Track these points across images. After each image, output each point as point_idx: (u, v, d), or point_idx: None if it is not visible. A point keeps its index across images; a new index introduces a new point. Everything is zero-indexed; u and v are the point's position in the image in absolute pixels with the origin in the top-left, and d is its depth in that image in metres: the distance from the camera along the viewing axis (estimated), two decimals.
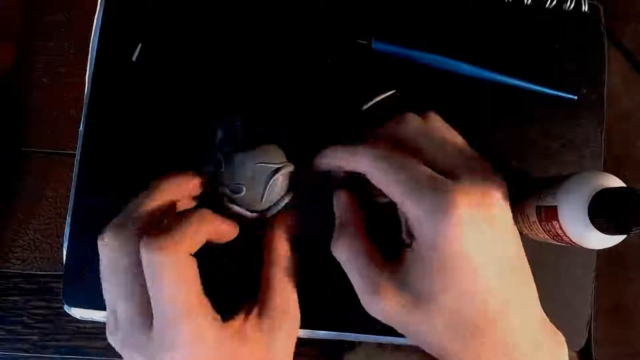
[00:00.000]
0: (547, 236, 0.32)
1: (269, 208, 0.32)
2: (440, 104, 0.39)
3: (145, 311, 0.27)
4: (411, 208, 0.26)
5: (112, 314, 0.28)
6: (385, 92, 0.38)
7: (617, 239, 0.29)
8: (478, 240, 0.26)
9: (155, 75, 0.38)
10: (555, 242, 0.33)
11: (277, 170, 0.32)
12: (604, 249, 0.30)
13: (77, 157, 0.37)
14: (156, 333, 0.26)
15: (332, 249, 0.30)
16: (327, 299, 0.36)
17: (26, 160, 0.40)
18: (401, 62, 0.38)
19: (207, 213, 0.29)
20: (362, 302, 0.28)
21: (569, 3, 0.40)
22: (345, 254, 0.29)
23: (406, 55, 0.38)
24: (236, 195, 0.32)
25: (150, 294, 0.26)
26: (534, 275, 0.38)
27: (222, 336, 0.27)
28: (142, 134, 0.37)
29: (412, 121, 0.30)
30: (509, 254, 0.27)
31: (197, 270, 0.27)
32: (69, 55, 0.40)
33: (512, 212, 0.29)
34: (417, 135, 0.29)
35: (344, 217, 0.31)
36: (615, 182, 0.29)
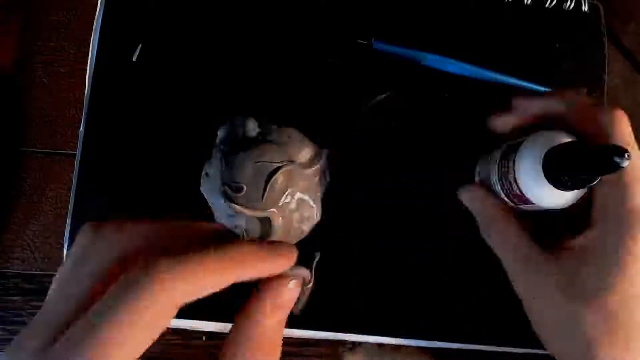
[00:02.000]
0: (508, 199, 0.33)
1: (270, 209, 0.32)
2: (440, 104, 0.39)
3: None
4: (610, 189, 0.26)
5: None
6: (386, 92, 0.38)
7: (574, 196, 0.29)
8: None
9: (155, 75, 0.38)
10: (518, 206, 0.33)
11: (277, 169, 0.32)
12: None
13: (77, 157, 0.37)
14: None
15: (484, 237, 0.30)
16: (327, 299, 0.36)
17: (26, 160, 0.40)
18: (401, 62, 0.38)
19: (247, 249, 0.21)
20: (511, 277, 0.28)
21: (569, 3, 0.40)
22: (507, 243, 0.28)
23: (406, 55, 0.38)
24: (237, 195, 0.32)
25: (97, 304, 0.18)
26: None
27: None
28: (142, 134, 0.37)
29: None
30: None
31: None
32: (69, 55, 0.40)
33: (478, 179, 0.29)
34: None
35: (489, 210, 0.30)
36: (569, 138, 0.29)
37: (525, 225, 0.29)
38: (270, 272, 0.22)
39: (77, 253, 0.21)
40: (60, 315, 0.19)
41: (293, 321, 0.36)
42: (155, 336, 0.18)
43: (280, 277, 0.22)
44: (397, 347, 0.38)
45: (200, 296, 0.19)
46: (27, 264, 0.39)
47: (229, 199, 0.32)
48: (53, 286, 0.21)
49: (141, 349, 0.18)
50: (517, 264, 0.27)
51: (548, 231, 0.29)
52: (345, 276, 0.36)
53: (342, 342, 0.39)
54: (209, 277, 0.19)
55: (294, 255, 0.23)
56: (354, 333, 0.37)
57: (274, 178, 0.31)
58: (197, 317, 0.36)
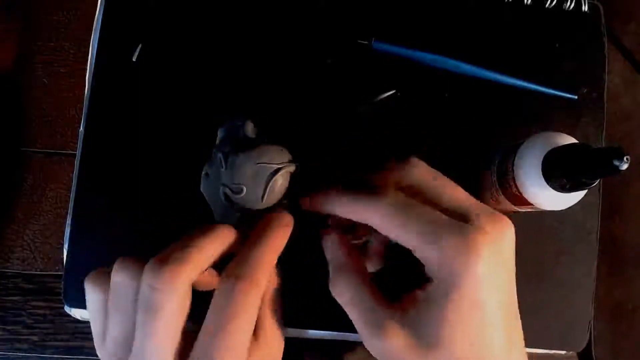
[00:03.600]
0: (508, 201, 0.33)
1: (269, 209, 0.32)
2: (440, 104, 0.39)
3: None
4: (431, 252, 0.25)
5: (100, 326, 0.27)
6: (385, 92, 0.38)
7: (573, 198, 0.29)
8: (493, 286, 0.25)
9: (155, 75, 0.38)
10: (517, 208, 0.33)
11: (277, 171, 0.32)
12: (560, 208, 0.30)
13: (77, 157, 0.37)
14: None
15: (331, 291, 0.28)
16: (327, 299, 0.36)
17: (26, 160, 0.40)
18: (401, 62, 0.38)
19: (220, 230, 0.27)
20: (363, 340, 0.27)
21: (569, 3, 0.40)
22: (347, 295, 0.28)
23: (406, 55, 0.38)
24: (236, 196, 0.32)
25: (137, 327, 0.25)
26: (535, 277, 0.38)
27: None
28: (142, 134, 0.37)
29: (419, 165, 0.29)
30: (514, 298, 0.27)
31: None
32: (69, 55, 0.40)
33: (480, 181, 0.28)
34: (425, 180, 0.28)
35: (337, 258, 0.29)
36: (569, 140, 0.29)
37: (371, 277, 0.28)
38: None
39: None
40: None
41: (293, 321, 0.36)
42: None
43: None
44: None
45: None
46: (27, 264, 0.39)
47: (229, 200, 0.32)
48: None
49: None
50: (362, 316, 0.27)
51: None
52: None
53: (342, 342, 0.39)
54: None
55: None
56: (354, 333, 0.37)
57: (273, 179, 0.31)
58: (197, 319, 0.36)
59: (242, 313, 0.25)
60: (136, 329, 0.25)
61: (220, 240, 0.27)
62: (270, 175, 0.32)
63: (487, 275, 0.25)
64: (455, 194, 0.28)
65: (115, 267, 0.26)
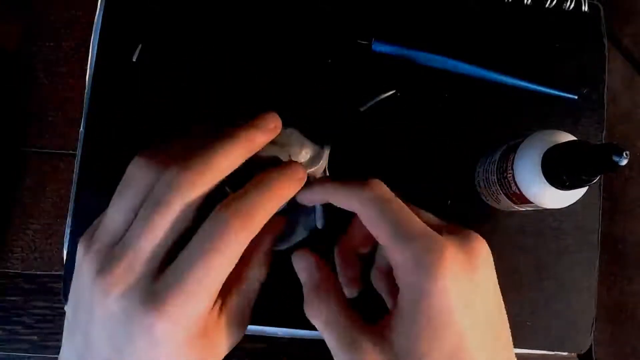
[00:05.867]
0: (507, 199, 0.33)
1: None
2: (440, 104, 0.39)
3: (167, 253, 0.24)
4: (399, 252, 0.25)
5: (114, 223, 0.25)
6: (385, 92, 0.38)
7: (573, 196, 0.29)
8: (465, 292, 0.24)
9: (155, 76, 0.38)
10: (518, 207, 0.33)
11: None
12: (562, 207, 0.30)
13: (77, 157, 0.37)
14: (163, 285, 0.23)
15: (306, 313, 0.28)
16: None
17: (26, 160, 0.40)
18: (401, 62, 0.38)
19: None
20: (333, 350, 0.26)
21: (569, 3, 0.40)
22: (322, 317, 0.27)
23: (406, 55, 0.38)
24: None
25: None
26: (536, 278, 0.38)
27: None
28: (142, 134, 0.37)
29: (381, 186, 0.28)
30: (492, 311, 0.26)
31: None
32: (69, 55, 0.40)
33: (478, 180, 0.28)
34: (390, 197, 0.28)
35: (313, 279, 0.28)
36: (569, 137, 0.29)
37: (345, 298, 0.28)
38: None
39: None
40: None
41: (293, 321, 0.36)
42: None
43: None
44: None
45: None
46: (27, 264, 0.39)
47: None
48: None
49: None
50: (337, 337, 0.26)
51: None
52: None
53: None
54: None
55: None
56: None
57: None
58: None
59: (225, 250, 0.23)
60: (136, 220, 0.24)
61: (246, 146, 0.26)
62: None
63: (457, 281, 0.24)
64: (427, 213, 0.28)
65: (137, 158, 0.26)
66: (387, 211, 0.26)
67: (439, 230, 0.26)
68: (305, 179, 0.29)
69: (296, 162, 0.30)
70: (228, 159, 0.25)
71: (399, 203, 0.27)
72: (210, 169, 0.24)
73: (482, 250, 0.26)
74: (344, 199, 0.28)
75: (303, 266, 0.29)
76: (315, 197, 0.30)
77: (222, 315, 0.26)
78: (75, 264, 0.26)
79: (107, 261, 0.24)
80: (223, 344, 0.26)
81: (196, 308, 0.23)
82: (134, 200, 0.25)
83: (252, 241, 0.25)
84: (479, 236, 0.27)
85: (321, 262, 0.29)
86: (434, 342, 0.24)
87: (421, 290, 0.24)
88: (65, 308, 0.36)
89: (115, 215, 0.25)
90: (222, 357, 0.26)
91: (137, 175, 0.26)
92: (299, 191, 0.29)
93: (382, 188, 0.27)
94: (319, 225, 0.35)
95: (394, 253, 0.25)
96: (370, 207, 0.26)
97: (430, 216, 0.29)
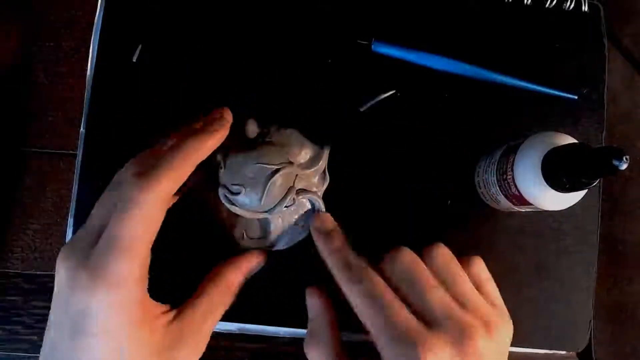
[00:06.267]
0: (507, 200, 0.33)
1: (269, 211, 0.32)
2: (440, 104, 0.39)
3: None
4: (383, 351, 0.26)
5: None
6: (385, 92, 0.38)
7: (572, 198, 0.29)
8: None
9: (155, 76, 0.38)
10: (517, 208, 0.33)
11: (276, 171, 0.32)
12: (562, 209, 0.30)
13: (78, 157, 0.37)
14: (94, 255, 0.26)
15: (305, 349, 0.30)
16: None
17: (26, 160, 0.40)
18: (401, 62, 0.38)
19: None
20: None
21: (569, 3, 0.40)
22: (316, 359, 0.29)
23: (406, 55, 0.38)
24: (235, 197, 0.32)
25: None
26: (535, 278, 0.38)
27: (143, 313, 0.26)
28: (143, 134, 0.37)
29: (404, 258, 0.29)
30: None
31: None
32: (69, 55, 0.40)
33: (478, 180, 0.29)
34: (402, 278, 0.28)
35: (318, 320, 0.31)
36: (569, 140, 0.29)
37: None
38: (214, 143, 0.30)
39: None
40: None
41: (293, 321, 0.36)
42: (157, 224, 0.27)
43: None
44: None
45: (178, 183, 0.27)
46: (27, 264, 0.39)
47: (228, 201, 0.32)
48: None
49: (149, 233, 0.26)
50: None
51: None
52: None
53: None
54: (176, 171, 0.27)
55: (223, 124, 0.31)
56: (354, 333, 0.37)
57: (272, 180, 0.31)
58: None
59: (131, 208, 0.26)
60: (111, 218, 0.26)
61: (197, 156, 0.29)
62: (269, 176, 0.31)
63: None
64: (435, 294, 0.27)
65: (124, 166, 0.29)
66: (375, 310, 0.27)
67: (438, 320, 0.26)
68: (223, 134, 0.31)
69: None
70: (178, 172, 0.28)
71: (391, 302, 0.27)
72: (163, 185, 0.27)
73: (480, 345, 0.26)
74: (345, 291, 0.29)
75: (314, 303, 0.32)
76: (323, 245, 0.32)
77: (175, 322, 0.28)
78: None
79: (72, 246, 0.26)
80: (174, 349, 0.28)
81: (121, 267, 0.25)
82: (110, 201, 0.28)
83: (231, 266, 0.31)
84: (477, 330, 0.26)
85: (329, 305, 0.31)
86: None
87: None
88: None
89: (93, 220, 0.28)
90: None
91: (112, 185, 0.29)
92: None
93: (372, 279, 0.29)
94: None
95: (379, 349, 0.27)
96: (361, 305, 0.28)
97: (457, 293, 0.28)
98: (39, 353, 0.39)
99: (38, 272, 0.39)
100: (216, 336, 0.38)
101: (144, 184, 0.26)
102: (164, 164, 0.27)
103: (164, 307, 0.29)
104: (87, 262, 0.25)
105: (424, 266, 0.29)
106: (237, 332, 0.36)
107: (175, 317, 0.29)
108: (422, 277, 0.28)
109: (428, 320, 0.26)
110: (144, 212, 0.26)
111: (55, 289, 0.27)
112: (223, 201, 0.32)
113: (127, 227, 0.25)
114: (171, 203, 0.31)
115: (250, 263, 0.33)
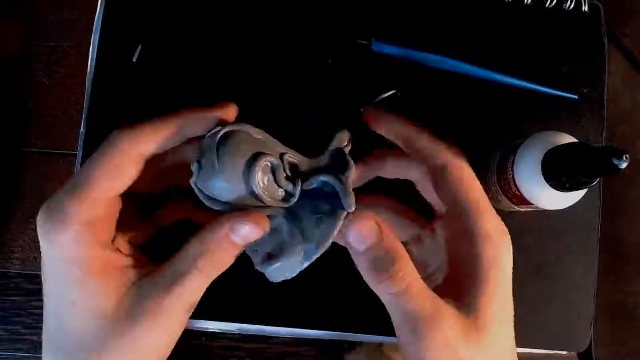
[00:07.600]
0: (507, 199, 0.33)
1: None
2: (440, 104, 0.39)
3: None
4: (474, 245, 0.25)
5: None
6: (385, 92, 0.38)
7: (573, 198, 0.29)
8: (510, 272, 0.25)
9: (155, 76, 0.38)
10: (517, 208, 0.33)
11: (226, 135, 0.27)
12: (559, 209, 0.30)
13: (78, 158, 0.37)
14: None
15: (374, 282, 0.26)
16: (327, 299, 0.36)
17: (26, 160, 0.40)
18: (401, 62, 0.38)
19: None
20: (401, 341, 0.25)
21: (569, 3, 0.40)
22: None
23: (406, 55, 0.38)
24: (195, 171, 0.28)
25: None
26: (535, 277, 0.38)
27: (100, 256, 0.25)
28: None
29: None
30: None
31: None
32: (69, 55, 0.40)
33: (479, 179, 0.28)
34: None
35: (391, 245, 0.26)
36: (569, 139, 0.29)
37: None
38: (207, 123, 0.29)
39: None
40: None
41: (293, 321, 0.36)
42: (126, 176, 0.26)
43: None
44: (397, 347, 0.38)
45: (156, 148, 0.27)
46: (27, 264, 0.39)
47: (201, 193, 0.27)
48: None
49: (115, 187, 0.26)
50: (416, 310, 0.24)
51: None
52: (344, 275, 0.36)
53: (342, 342, 0.39)
54: (158, 133, 0.28)
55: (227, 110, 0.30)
56: (354, 333, 0.37)
57: (225, 142, 0.27)
58: (197, 317, 0.36)
59: (97, 154, 0.26)
60: None
61: (177, 132, 0.29)
62: (219, 140, 0.27)
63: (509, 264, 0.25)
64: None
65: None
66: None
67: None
68: (213, 118, 0.30)
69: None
70: (161, 134, 0.28)
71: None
72: (140, 140, 0.27)
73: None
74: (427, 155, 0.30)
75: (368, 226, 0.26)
76: (384, 125, 0.31)
77: (140, 283, 0.24)
78: None
79: None
80: (129, 318, 0.23)
81: (70, 207, 0.25)
82: None
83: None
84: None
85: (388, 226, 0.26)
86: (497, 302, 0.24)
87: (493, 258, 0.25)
88: None
89: None
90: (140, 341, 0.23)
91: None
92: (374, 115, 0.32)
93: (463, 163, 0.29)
94: (350, 208, 0.27)
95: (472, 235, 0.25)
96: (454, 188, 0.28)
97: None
98: (39, 353, 0.39)
99: (38, 272, 0.39)
100: (216, 336, 0.38)
101: (119, 135, 0.26)
102: (148, 123, 0.27)
103: (134, 261, 0.25)
104: (48, 205, 0.26)
105: None
106: (236, 332, 0.36)
107: (142, 277, 0.24)
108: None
109: None
110: (107, 159, 0.26)
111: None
112: (199, 196, 0.27)
113: (87, 169, 0.26)
114: (154, 172, 0.28)
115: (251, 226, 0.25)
